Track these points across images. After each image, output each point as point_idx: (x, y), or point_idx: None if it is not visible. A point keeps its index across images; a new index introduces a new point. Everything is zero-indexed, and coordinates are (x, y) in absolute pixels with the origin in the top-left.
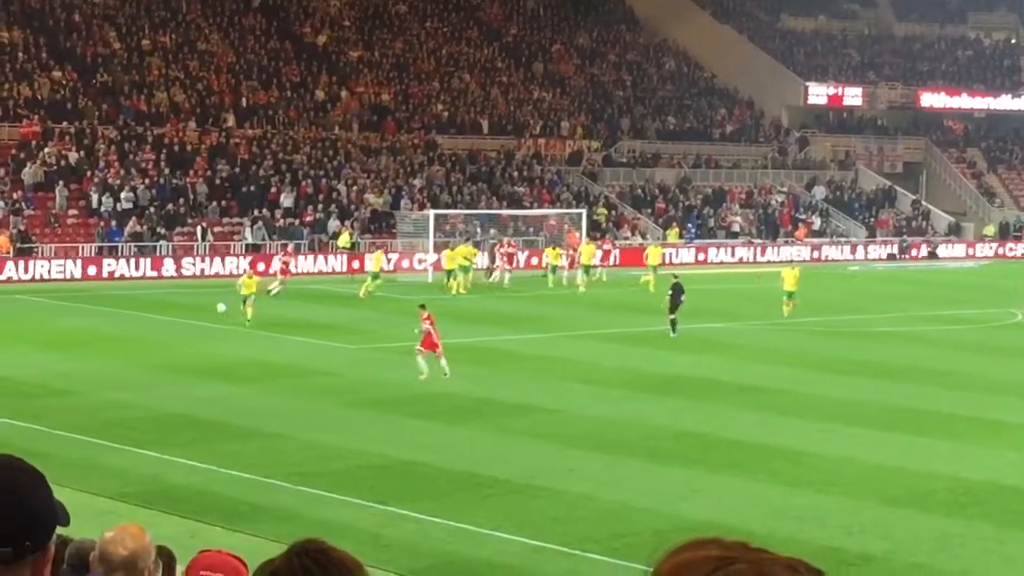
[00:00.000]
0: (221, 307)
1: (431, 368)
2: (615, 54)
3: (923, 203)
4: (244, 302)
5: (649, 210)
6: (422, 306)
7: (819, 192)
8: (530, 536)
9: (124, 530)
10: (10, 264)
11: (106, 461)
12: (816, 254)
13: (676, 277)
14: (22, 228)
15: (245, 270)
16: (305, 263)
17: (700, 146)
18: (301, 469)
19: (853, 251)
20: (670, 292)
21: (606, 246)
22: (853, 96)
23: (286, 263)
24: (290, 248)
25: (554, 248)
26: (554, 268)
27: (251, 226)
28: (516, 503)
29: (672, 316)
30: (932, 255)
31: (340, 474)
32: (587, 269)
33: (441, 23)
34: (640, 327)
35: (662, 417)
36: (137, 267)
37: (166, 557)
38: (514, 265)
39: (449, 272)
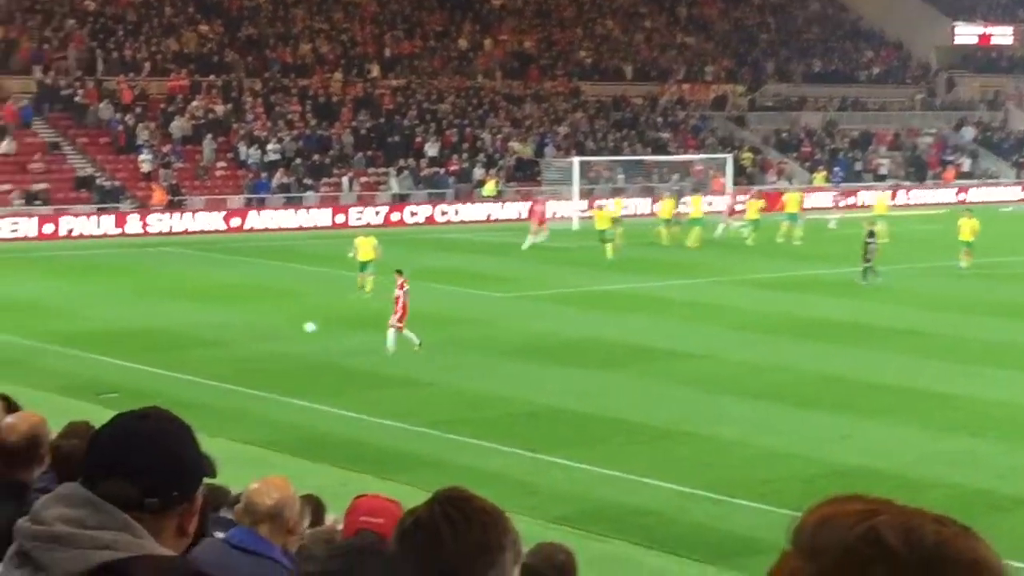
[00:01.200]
0: (310, 327)
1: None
2: None
3: None
4: (363, 269)
5: (795, 154)
6: (399, 271)
7: (967, 133)
8: (679, 482)
9: (269, 482)
10: (161, 217)
11: (256, 410)
12: (964, 196)
13: (871, 224)
14: (173, 181)
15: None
16: (450, 211)
17: (846, 88)
18: (450, 417)
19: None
20: (867, 240)
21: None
22: (1003, 35)
23: (541, 212)
24: (541, 197)
25: (696, 196)
26: (667, 221)
27: (396, 176)
28: (665, 449)
29: (867, 264)
30: None
31: (489, 422)
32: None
33: None
34: (789, 272)
35: (811, 362)
36: (284, 218)
37: (313, 505)
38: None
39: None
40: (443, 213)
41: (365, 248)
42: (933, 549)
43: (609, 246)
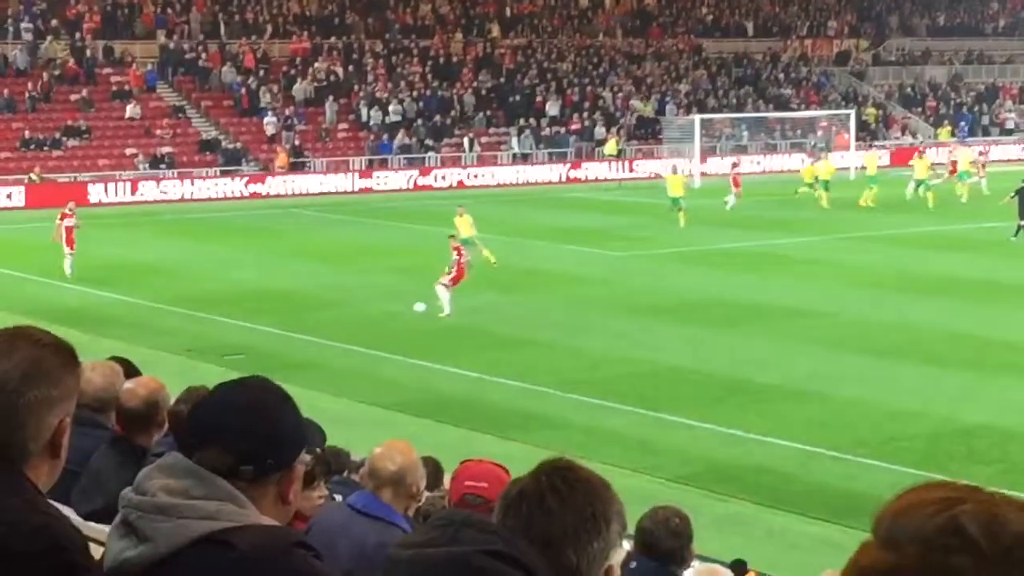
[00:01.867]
0: (419, 307)
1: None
2: None
3: None
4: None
5: (919, 109)
6: (452, 236)
7: None
8: (802, 441)
9: (392, 446)
10: (284, 178)
11: (379, 371)
12: None
13: None
14: (296, 143)
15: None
16: (577, 171)
17: (972, 42)
18: (571, 376)
19: None
20: (1014, 195)
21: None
22: None
23: (736, 175)
24: (737, 159)
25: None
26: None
27: (518, 136)
28: (787, 408)
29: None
30: None
31: (610, 381)
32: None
33: None
34: (908, 228)
35: (936, 319)
36: (406, 179)
37: (431, 467)
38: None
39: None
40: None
41: (464, 227)
42: (1015, 539)
43: (681, 215)
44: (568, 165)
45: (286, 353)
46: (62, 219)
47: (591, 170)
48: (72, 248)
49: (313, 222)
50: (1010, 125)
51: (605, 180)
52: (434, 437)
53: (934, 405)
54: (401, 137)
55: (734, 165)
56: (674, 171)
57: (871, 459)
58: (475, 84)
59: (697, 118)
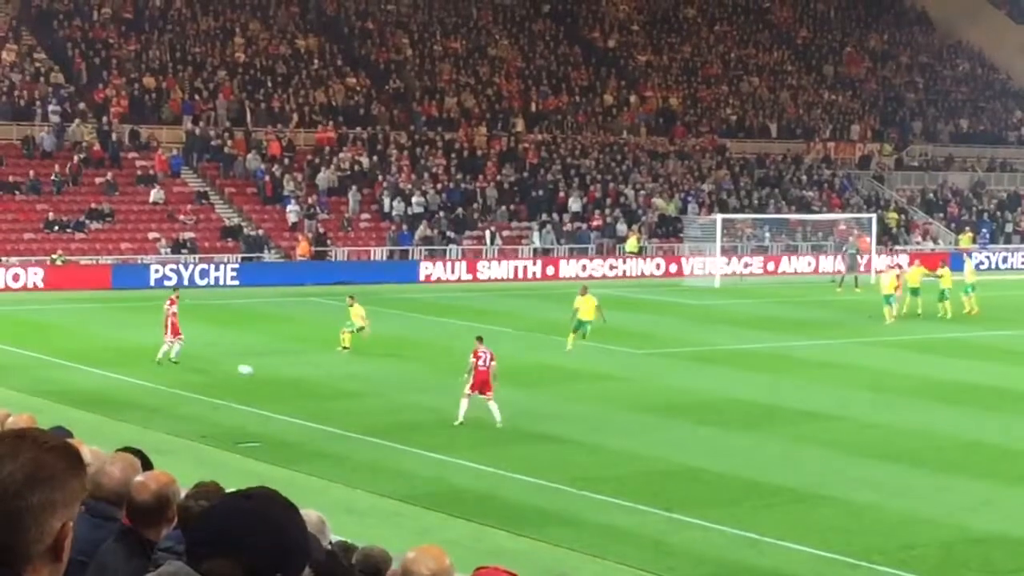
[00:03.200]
0: (245, 369)
1: (475, 411)
2: (907, 56)
3: None
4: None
5: (941, 214)
6: (479, 338)
7: None
8: (815, 546)
9: (426, 551)
10: (307, 266)
11: (394, 463)
12: None
13: None
14: (319, 231)
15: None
16: (593, 266)
17: (995, 149)
18: (586, 474)
19: None
20: None
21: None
22: None
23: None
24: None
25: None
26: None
27: (539, 230)
28: (801, 512)
29: None
30: None
31: (625, 479)
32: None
33: (730, 26)
34: (928, 335)
35: (952, 426)
36: (429, 271)
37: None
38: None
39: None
40: (584, 267)
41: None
42: None
43: (582, 337)
44: (589, 260)
45: (301, 442)
46: (170, 305)
47: (613, 266)
48: (177, 335)
49: (335, 311)
50: None
51: (625, 277)
52: (447, 531)
53: (949, 513)
54: (423, 228)
55: (898, 267)
56: (583, 292)
57: (886, 567)
58: (498, 178)
59: (719, 217)
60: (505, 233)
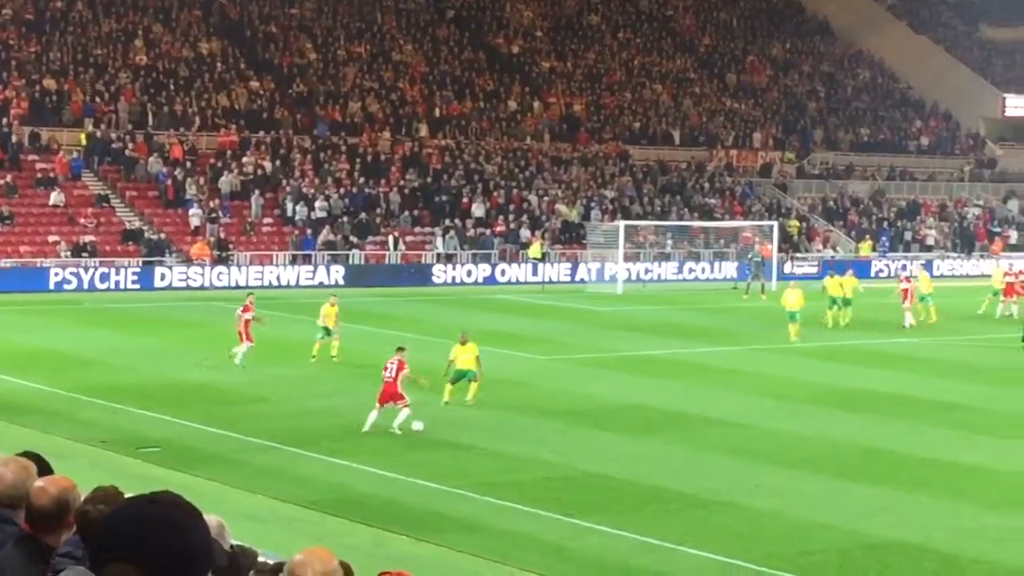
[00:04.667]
0: (417, 425)
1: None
2: (809, 65)
3: None
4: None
5: (841, 223)
6: (400, 348)
7: (1015, 205)
8: (715, 551)
9: (313, 553)
10: (208, 270)
11: (296, 469)
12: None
13: None
14: (220, 236)
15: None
16: (496, 273)
17: (894, 158)
18: (488, 479)
19: None
20: None
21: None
22: None
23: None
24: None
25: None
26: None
27: (443, 235)
28: (702, 518)
29: None
30: None
31: (527, 485)
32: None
33: (634, 34)
34: (830, 342)
35: (850, 433)
36: (329, 275)
37: (345, 572)
38: None
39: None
40: (487, 274)
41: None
42: None
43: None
44: (492, 266)
45: (203, 447)
46: (244, 312)
47: (516, 272)
48: (249, 341)
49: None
50: (930, 241)
51: (528, 283)
52: (347, 537)
53: (847, 519)
54: (326, 233)
55: (905, 279)
56: (464, 341)
57: (785, 572)
58: (402, 183)
59: (621, 224)
60: (408, 238)
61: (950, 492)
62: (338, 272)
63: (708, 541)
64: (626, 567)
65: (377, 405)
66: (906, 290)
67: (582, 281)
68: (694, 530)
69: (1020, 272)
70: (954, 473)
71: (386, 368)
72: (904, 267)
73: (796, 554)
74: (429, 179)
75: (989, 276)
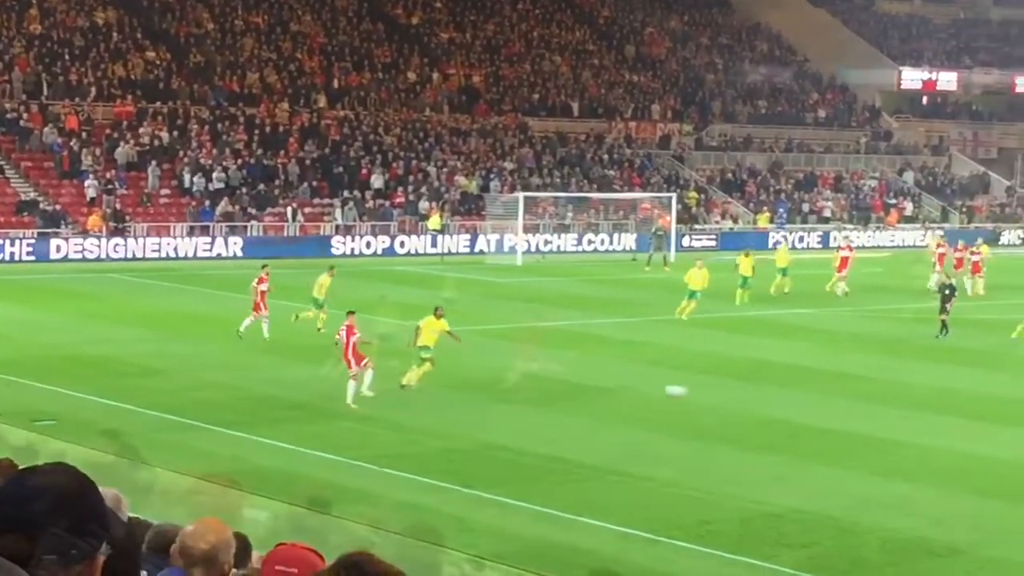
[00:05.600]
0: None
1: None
2: (707, 37)
3: (1018, 189)
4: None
5: (739, 194)
6: (351, 312)
7: (910, 177)
8: (616, 522)
9: (204, 523)
10: (104, 242)
11: (195, 441)
12: (905, 240)
13: (949, 278)
14: (117, 207)
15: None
16: (395, 244)
17: (792, 130)
18: (388, 451)
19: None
20: (946, 292)
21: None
22: (947, 81)
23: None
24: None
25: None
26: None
27: (342, 207)
28: (602, 488)
29: (944, 317)
30: None
31: (427, 457)
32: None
33: (533, 5)
34: (730, 313)
35: (749, 404)
36: (228, 246)
37: (239, 544)
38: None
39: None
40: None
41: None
42: None
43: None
44: (391, 238)
45: (99, 420)
46: (259, 283)
47: (414, 244)
48: (265, 311)
49: (134, 287)
50: (827, 213)
51: (427, 254)
52: (245, 509)
53: (746, 488)
54: (224, 204)
55: (842, 248)
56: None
57: (685, 541)
58: (300, 154)
59: (521, 196)
60: (307, 210)
61: (847, 461)
62: (236, 244)
63: (609, 511)
64: (525, 537)
65: (350, 376)
66: (845, 258)
67: (481, 252)
68: (595, 500)
69: (851, 247)
70: (849, 442)
71: (338, 334)
72: (846, 236)
73: (695, 523)
74: (328, 150)
75: (885, 248)
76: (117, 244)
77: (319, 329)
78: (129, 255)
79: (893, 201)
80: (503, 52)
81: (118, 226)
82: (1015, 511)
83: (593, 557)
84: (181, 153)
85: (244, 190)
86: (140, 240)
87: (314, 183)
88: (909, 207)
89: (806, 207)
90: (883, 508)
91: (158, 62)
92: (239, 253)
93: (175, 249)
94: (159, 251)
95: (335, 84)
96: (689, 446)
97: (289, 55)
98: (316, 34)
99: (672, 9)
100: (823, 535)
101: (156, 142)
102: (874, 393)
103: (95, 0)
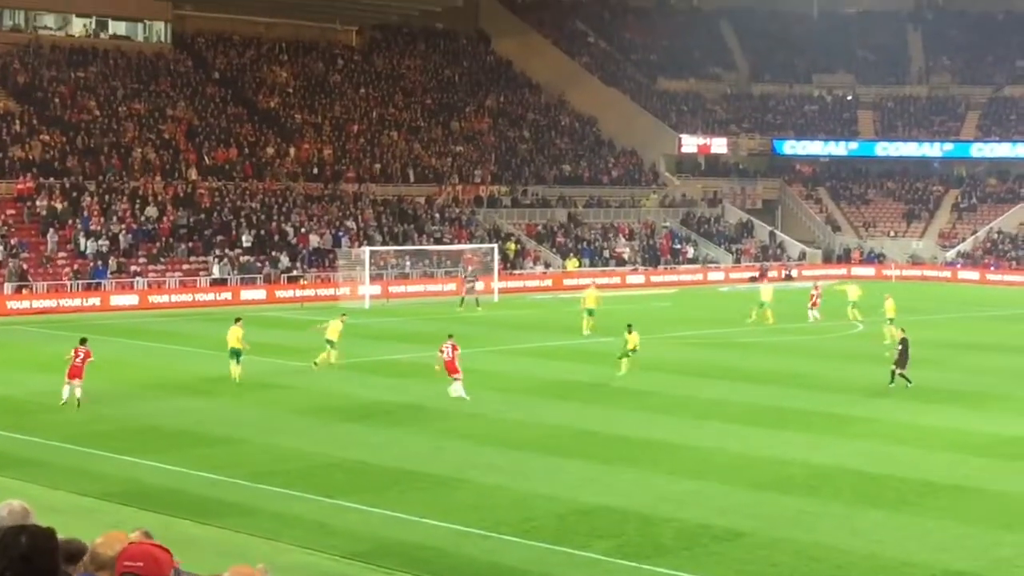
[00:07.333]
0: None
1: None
2: (519, 113)
3: (778, 233)
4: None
5: (550, 243)
6: (450, 336)
7: (691, 226)
8: (454, 522)
9: (111, 536)
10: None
11: (92, 467)
12: (690, 277)
13: (903, 331)
14: (24, 268)
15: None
16: (257, 293)
17: (592, 189)
18: (260, 469)
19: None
20: (899, 347)
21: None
22: (719, 145)
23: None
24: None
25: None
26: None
27: (217, 263)
28: (442, 494)
29: (902, 371)
30: (788, 277)
31: (293, 473)
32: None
33: (372, 90)
34: (541, 343)
35: (563, 418)
36: (118, 300)
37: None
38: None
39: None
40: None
41: (234, 338)
42: None
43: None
44: (260, 289)
45: (8, 451)
46: (75, 355)
47: (278, 293)
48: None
49: (35, 337)
50: (625, 257)
51: (289, 301)
52: (139, 523)
53: (562, 489)
54: (113, 263)
55: (816, 288)
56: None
57: (512, 536)
58: (178, 219)
59: (367, 249)
60: (185, 267)
61: (645, 463)
62: (127, 299)
63: (448, 513)
64: (378, 538)
65: (455, 379)
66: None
67: (335, 297)
68: (436, 504)
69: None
70: (647, 448)
71: (441, 350)
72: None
73: (520, 520)
74: (202, 215)
75: (674, 284)
76: (21, 300)
77: (332, 363)
78: (31, 308)
79: (678, 246)
80: (347, 129)
81: (21, 284)
82: (784, 499)
83: (435, 553)
84: (75, 221)
85: (132, 251)
86: (41, 296)
87: (191, 244)
88: (691, 251)
89: (607, 253)
90: (676, 502)
91: (53, 144)
92: (127, 304)
93: (70, 302)
94: (57, 305)
95: (206, 160)
96: (514, 456)
97: (166, 136)
98: (189, 118)
99: (490, 91)
100: (628, 527)
101: (54, 212)
102: (664, 405)
103: None
